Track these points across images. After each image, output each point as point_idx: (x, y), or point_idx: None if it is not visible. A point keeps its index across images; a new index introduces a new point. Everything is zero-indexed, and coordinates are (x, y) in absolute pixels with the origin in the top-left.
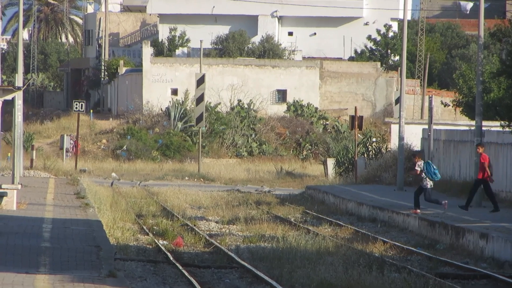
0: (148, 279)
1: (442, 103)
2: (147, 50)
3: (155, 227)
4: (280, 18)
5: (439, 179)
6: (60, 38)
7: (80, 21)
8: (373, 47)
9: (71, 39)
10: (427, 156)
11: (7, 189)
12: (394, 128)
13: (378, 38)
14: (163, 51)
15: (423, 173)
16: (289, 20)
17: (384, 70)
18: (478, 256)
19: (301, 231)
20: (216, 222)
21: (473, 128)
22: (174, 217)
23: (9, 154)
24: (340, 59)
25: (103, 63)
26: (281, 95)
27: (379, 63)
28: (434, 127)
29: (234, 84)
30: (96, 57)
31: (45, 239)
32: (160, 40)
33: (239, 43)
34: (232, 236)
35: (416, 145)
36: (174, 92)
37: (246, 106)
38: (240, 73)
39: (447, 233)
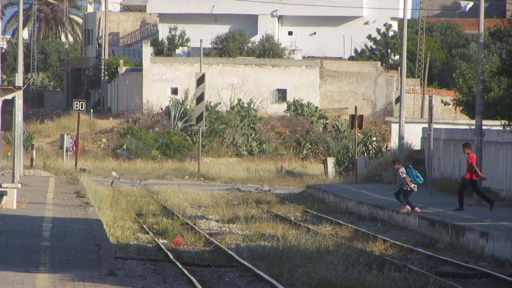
0: (148, 278)
1: (442, 102)
2: (147, 50)
3: (155, 226)
4: (280, 18)
5: (422, 182)
6: (60, 38)
7: (80, 20)
8: (373, 47)
9: (71, 39)
10: (427, 155)
11: (7, 188)
12: (394, 127)
13: (378, 37)
14: (163, 50)
15: (408, 179)
16: (289, 20)
17: (384, 69)
18: (478, 255)
19: (301, 230)
20: (216, 221)
21: (473, 127)
22: (174, 216)
23: (9, 153)
24: (340, 58)
25: (103, 63)
26: (281, 94)
27: (379, 63)
28: (434, 126)
29: (234, 84)
30: (96, 56)
31: (45, 238)
32: (160, 39)
33: (239, 42)
34: (232, 235)
35: (416, 144)
36: (174, 91)
37: (246, 105)
38: (240, 73)
39: (447, 232)
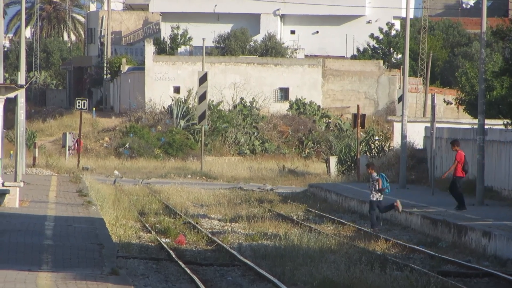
0: (150, 277)
1: (444, 101)
2: (150, 48)
3: (158, 225)
4: (282, 17)
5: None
6: (63, 36)
7: (82, 19)
8: (376, 46)
9: (73, 37)
10: (430, 154)
11: (9, 186)
12: (397, 126)
13: (381, 36)
14: (165, 49)
15: (376, 185)
16: (292, 19)
17: (387, 68)
18: (480, 254)
19: (304, 229)
20: (219, 220)
21: (475, 126)
22: (177, 215)
23: (11, 152)
24: (342, 57)
25: (105, 61)
26: (284, 93)
27: (381, 62)
28: (437, 125)
29: (236, 82)
30: (98, 55)
31: (48, 236)
32: (162, 38)
33: (241, 41)
34: (234, 234)
35: (419, 143)
36: (177, 90)
37: (248, 104)
38: (243, 71)
39: (450, 231)
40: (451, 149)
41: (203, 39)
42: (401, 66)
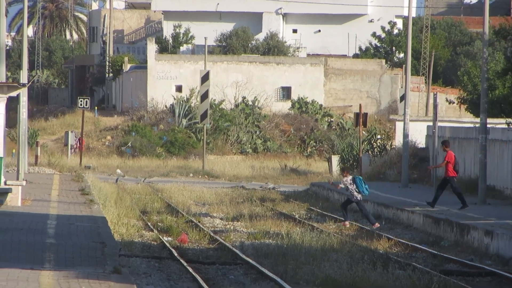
0: (152, 275)
1: (447, 100)
2: (152, 47)
3: (160, 224)
4: (284, 15)
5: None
6: (65, 35)
7: (84, 18)
8: (378, 44)
9: (75, 36)
10: (432, 153)
11: (12, 185)
12: (399, 125)
13: (383, 35)
14: (167, 48)
15: (353, 188)
16: (294, 17)
17: (389, 67)
18: (483, 253)
19: (306, 228)
20: (221, 219)
21: (478, 125)
22: (179, 213)
23: (14, 151)
24: (344, 56)
25: (107, 60)
26: (286, 92)
27: (383, 60)
28: (439, 124)
29: (238, 81)
30: (100, 54)
31: (50, 235)
32: (164, 37)
33: (243, 40)
34: (236, 232)
35: (421, 142)
36: (179, 89)
37: (250, 103)
38: (245, 70)
39: (452, 230)
40: (442, 149)
41: (205, 37)
42: (403, 65)
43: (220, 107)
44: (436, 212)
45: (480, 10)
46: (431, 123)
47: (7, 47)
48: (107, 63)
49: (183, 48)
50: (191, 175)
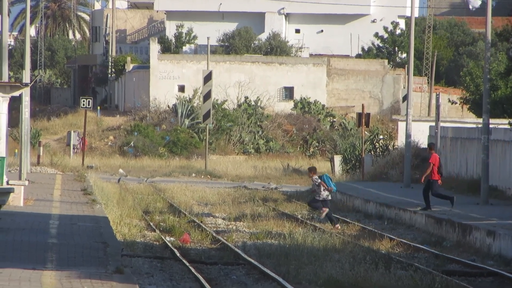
0: (155, 276)
1: (449, 100)
2: (154, 47)
3: (162, 224)
4: (287, 15)
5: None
6: (67, 35)
7: (87, 17)
8: (380, 45)
9: (78, 36)
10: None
11: (14, 185)
12: (401, 126)
13: (385, 35)
14: (170, 48)
15: (321, 186)
16: (296, 17)
17: (391, 67)
18: (485, 254)
19: (308, 228)
20: (223, 219)
21: (480, 125)
22: (181, 213)
23: (16, 150)
24: (347, 56)
25: (110, 60)
26: (288, 92)
27: (386, 61)
28: (441, 124)
29: (241, 81)
30: (103, 53)
31: (52, 235)
32: (167, 37)
33: (246, 40)
34: (239, 232)
35: (424, 142)
36: (181, 89)
37: (253, 103)
38: (247, 70)
39: (454, 231)
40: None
41: (207, 37)
42: (406, 65)
43: (222, 107)
44: (438, 212)
45: (482, 10)
46: (433, 124)
47: (10, 47)
48: (110, 63)
49: (186, 48)
50: (193, 175)
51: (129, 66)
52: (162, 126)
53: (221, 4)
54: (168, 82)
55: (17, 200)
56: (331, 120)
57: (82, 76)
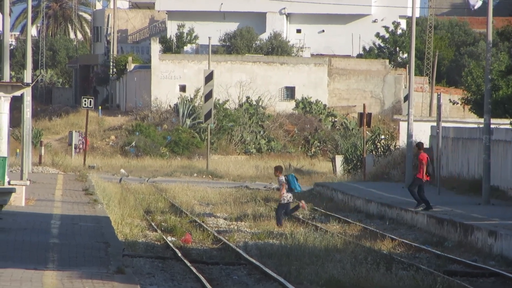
0: (156, 276)
1: (450, 101)
2: (156, 47)
3: (164, 224)
4: (288, 15)
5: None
6: (69, 35)
7: (88, 17)
8: (382, 45)
9: (79, 36)
10: (436, 153)
11: (15, 185)
12: (403, 126)
13: (387, 35)
14: (171, 47)
15: (285, 188)
16: (298, 17)
17: (393, 67)
18: (486, 254)
19: (310, 228)
20: (225, 219)
21: (481, 125)
22: (183, 213)
23: (17, 150)
24: (348, 56)
25: (111, 60)
26: (290, 92)
27: (387, 61)
28: (443, 124)
29: (242, 81)
30: (104, 53)
31: (54, 235)
32: (168, 36)
33: (247, 40)
34: (240, 232)
35: (425, 142)
36: (183, 88)
37: (254, 103)
38: (249, 70)
39: (456, 231)
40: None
41: (209, 37)
42: (407, 65)
43: (224, 107)
44: (439, 212)
45: (484, 10)
46: (435, 124)
47: (11, 47)
48: (111, 63)
49: (187, 48)
50: (195, 175)
51: (131, 66)
52: (164, 126)
53: (222, 4)
54: (170, 82)
55: (18, 200)
56: (333, 120)
57: (84, 76)
